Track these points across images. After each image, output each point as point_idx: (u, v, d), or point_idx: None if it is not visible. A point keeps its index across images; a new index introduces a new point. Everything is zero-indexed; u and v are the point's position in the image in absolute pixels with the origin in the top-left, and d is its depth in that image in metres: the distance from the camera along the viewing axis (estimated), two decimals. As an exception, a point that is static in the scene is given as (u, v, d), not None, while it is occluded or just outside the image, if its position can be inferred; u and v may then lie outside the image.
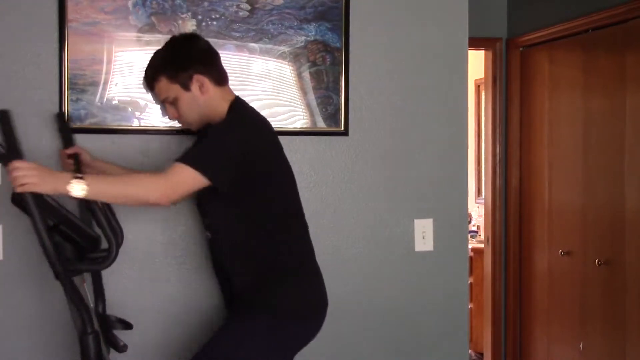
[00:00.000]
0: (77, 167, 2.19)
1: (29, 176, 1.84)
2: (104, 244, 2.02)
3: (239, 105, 2.19)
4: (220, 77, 2.19)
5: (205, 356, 2.08)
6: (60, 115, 2.37)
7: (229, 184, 2.04)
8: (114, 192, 1.98)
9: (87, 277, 2.24)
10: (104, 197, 1.99)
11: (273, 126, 2.21)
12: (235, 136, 2.05)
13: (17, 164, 1.86)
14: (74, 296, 1.96)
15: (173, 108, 2.18)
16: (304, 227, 2.26)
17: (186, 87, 2.13)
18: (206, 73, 2.14)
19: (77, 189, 1.86)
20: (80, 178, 1.88)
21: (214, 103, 2.15)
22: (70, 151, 2.26)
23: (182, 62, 2.13)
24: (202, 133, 2.26)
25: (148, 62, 2.21)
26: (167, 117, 2.28)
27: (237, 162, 2.03)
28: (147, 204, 2.08)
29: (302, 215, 2.26)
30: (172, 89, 2.13)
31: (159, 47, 2.25)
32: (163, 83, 2.14)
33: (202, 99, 2.14)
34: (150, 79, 2.18)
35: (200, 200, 2.25)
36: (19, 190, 1.84)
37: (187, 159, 2.00)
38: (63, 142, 2.33)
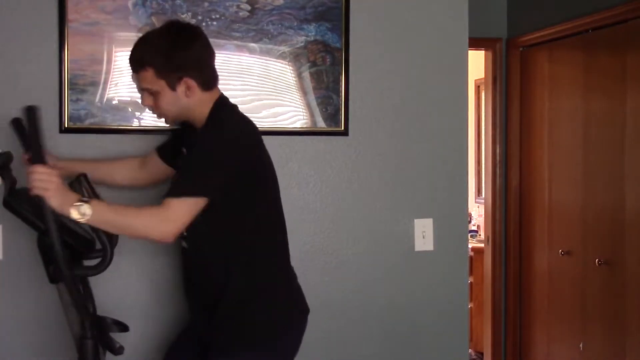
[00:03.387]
0: None
1: (48, 183, 1.84)
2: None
3: (222, 108, 2.07)
4: (210, 81, 2.06)
5: None
6: (15, 121, 2.07)
7: (224, 194, 1.97)
8: (116, 224, 1.93)
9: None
10: (106, 227, 1.94)
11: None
12: (224, 147, 1.97)
13: (39, 169, 1.85)
14: (77, 300, 1.94)
15: (151, 98, 2.04)
16: (284, 232, 2.16)
17: (172, 86, 2.00)
18: (197, 78, 2.01)
19: (79, 213, 1.84)
20: (86, 202, 1.85)
21: (196, 106, 2.04)
22: (28, 156, 2.02)
23: (175, 63, 1.98)
24: (186, 136, 2.17)
25: (139, 40, 2.06)
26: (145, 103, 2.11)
27: (229, 172, 1.96)
28: (149, 241, 2.01)
29: (283, 218, 2.17)
30: (156, 83, 2.00)
31: None
32: (149, 74, 1.99)
33: (185, 101, 2.02)
34: (137, 65, 2.02)
35: None
36: (35, 192, 1.84)
37: (178, 191, 1.92)
38: (24, 147, 2.07)
